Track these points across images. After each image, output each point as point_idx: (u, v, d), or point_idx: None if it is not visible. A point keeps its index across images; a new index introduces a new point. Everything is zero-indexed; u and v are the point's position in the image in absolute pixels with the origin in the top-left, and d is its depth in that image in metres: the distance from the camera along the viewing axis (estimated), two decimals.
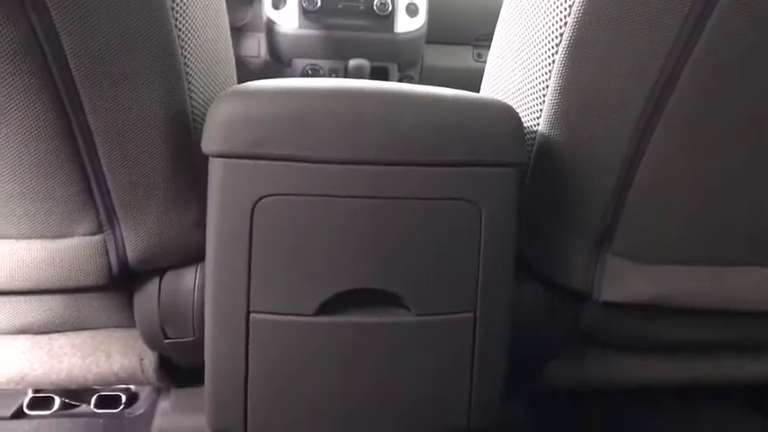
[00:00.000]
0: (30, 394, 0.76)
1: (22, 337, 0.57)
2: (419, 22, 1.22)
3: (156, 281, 0.53)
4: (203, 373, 0.46)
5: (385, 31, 1.21)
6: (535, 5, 0.43)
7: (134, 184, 0.45)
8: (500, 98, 0.54)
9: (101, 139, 0.42)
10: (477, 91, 1.46)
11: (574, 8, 0.38)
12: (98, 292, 0.52)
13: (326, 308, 0.43)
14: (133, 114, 0.41)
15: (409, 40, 1.23)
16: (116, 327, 0.57)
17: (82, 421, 0.77)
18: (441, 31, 1.28)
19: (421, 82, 1.35)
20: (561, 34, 0.40)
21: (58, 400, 0.76)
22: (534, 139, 0.47)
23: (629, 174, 0.44)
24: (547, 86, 0.43)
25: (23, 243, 0.48)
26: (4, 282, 0.48)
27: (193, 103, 0.44)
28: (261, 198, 0.40)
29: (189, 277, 0.53)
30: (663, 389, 0.65)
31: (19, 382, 0.58)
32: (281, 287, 0.42)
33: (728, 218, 0.48)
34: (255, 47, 1.26)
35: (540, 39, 0.43)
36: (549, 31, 0.41)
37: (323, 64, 1.28)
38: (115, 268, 0.49)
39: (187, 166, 0.46)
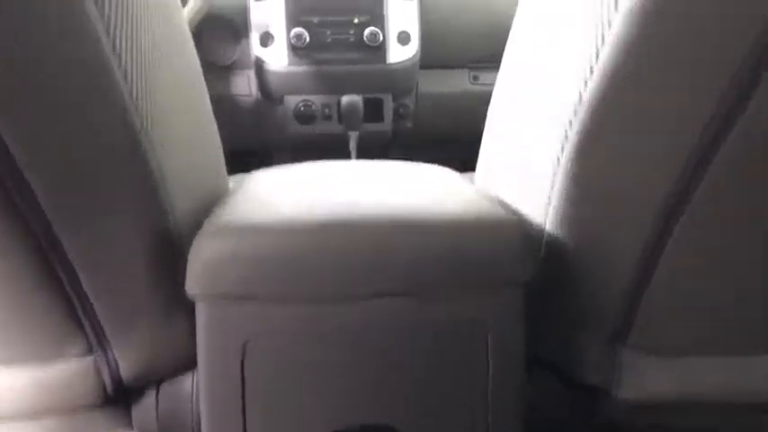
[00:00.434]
0: None
1: None
2: (412, 50, 1.19)
3: (152, 392, 0.51)
4: None
5: (377, 63, 1.18)
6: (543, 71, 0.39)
7: (120, 308, 0.44)
8: (501, 179, 0.51)
9: (83, 274, 0.40)
10: (474, 115, 1.42)
11: (588, 89, 0.34)
12: (94, 409, 0.51)
13: None
14: (113, 244, 0.39)
15: (402, 70, 1.20)
16: None
17: None
18: (434, 55, 1.25)
19: (416, 109, 1.31)
20: (575, 113, 0.36)
21: None
22: (542, 235, 0.44)
23: (648, 269, 0.41)
24: (555, 174, 0.39)
25: (13, 369, 0.47)
26: None
27: (176, 215, 0.42)
28: (250, 339, 0.38)
29: (186, 384, 0.51)
30: None
31: None
32: (276, 425, 0.40)
33: (753, 305, 0.45)
34: (246, 85, 1.23)
35: (549, 114, 0.39)
36: (561, 108, 0.37)
37: (315, 99, 1.25)
38: (109, 387, 0.48)
39: (172, 282, 0.44)
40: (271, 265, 0.37)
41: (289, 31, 1.15)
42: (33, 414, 0.48)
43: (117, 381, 0.47)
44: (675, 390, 0.46)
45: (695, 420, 0.52)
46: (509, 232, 0.40)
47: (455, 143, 1.59)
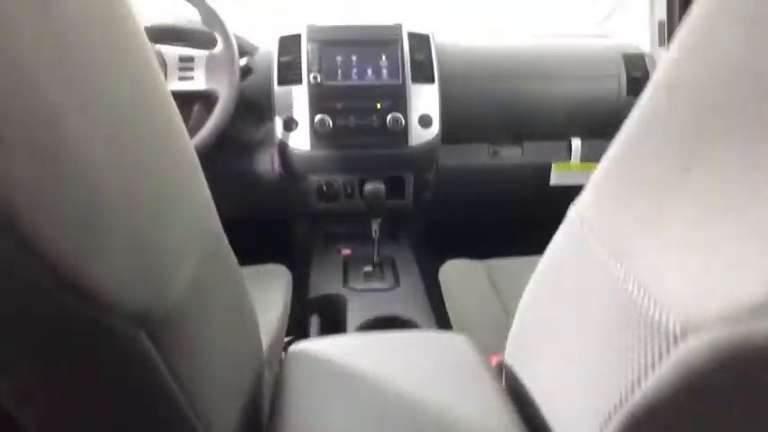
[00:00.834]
0: None
1: None
2: (433, 132, 1.20)
3: None
4: None
5: (399, 146, 1.19)
6: None
7: None
8: (538, 369, 0.50)
9: None
10: (493, 188, 1.43)
11: None
12: None
13: None
14: None
15: (424, 152, 1.21)
16: None
17: None
18: (455, 131, 1.26)
19: (437, 182, 1.33)
20: None
21: None
22: None
23: None
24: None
25: None
26: None
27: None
28: None
29: None
30: None
31: None
32: None
33: None
34: (269, 162, 1.25)
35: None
36: None
37: (337, 179, 1.27)
38: None
39: None
40: None
41: (312, 117, 1.16)
42: None
43: None
44: None
45: None
46: None
47: (474, 215, 1.61)
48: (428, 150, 1.21)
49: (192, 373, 0.34)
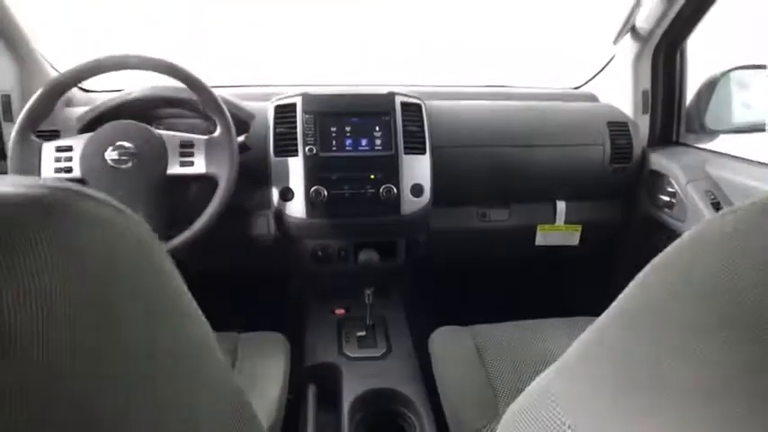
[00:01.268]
0: None
1: None
2: (425, 200, 1.25)
3: None
4: None
5: (392, 215, 1.24)
6: None
7: None
8: None
9: None
10: (481, 249, 1.48)
11: None
12: None
13: None
14: None
15: (416, 219, 1.26)
16: None
17: None
18: (444, 196, 1.30)
19: (428, 242, 1.38)
20: None
21: None
22: None
23: None
24: None
25: None
26: None
27: None
28: None
29: None
30: None
31: None
32: None
33: None
34: (265, 225, 1.29)
35: None
36: None
37: (332, 243, 1.31)
38: None
39: None
40: None
41: (308, 187, 1.20)
42: None
43: None
44: None
45: None
46: None
47: (464, 274, 1.66)
48: (420, 217, 1.26)
49: None
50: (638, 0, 1.19)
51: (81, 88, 1.41)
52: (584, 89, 1.60)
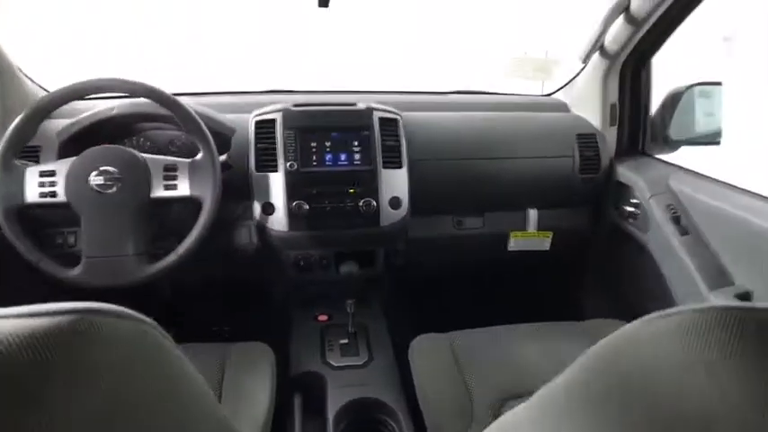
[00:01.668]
0: None
1: None
2: (402, 212, 1.29)
3: None
4: None
5: (371, 226, 1.28)
6: None
7: None
8: None
9: None
10: (458, 255, 1.54)
11: None
12: None
13: None
14: None
15: (394, 230, 1.30)
16: None
17: None
18: (422, 206, 1.35)
19: (406, 251, 1.43)
20: None
21: None
22: None
23: None
24: None
25: None
26: None
27: None
28: None
29: None
30: None
31: None
32: None
33: None
34: (247, 236, 1.31)
35: None
36: None
37: (313, 253, 1.35)
38: None
39: None
40: None
41: (289, 202, 1.23)
42: None
43: None
44: None
45: None
46: None
47: (440, 279, 1.72)
48: (398, 228, 1.30)
49: None
50: (605, 24, 1.24)
51: None
52: (556, 96, 1.65)
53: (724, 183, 1.18)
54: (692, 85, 1.39)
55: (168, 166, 1.07)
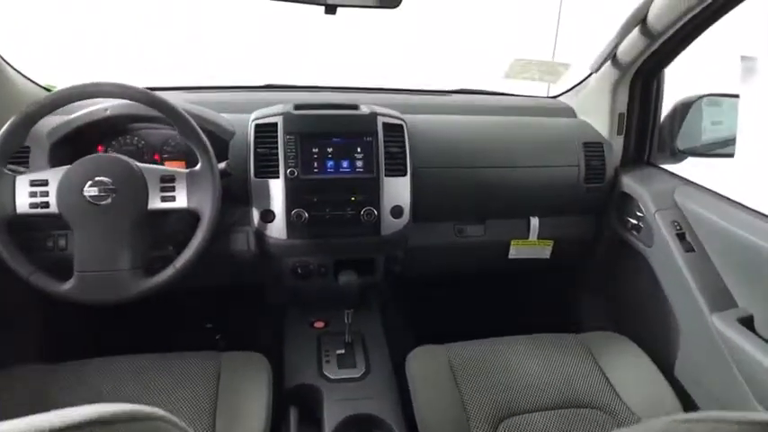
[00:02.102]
0: None
1: None
2: (404, 221, 1.27)
3: None
4: None
5: (371, 235, 1.25)
6: None
7: None
8: None
9: None
10: (458, 264, 1.53)
11: None
12: None
13: None
14: None
15: (395, 239, 1.28)
16: None
17: None
18: (423, 213, 1.32)
19: (405, 258, 1.40)
20: None
21: None
22: None
23: None
24: None
25: None
26: None
27: None
28: None
29: None
30: None
31: None
32: None
33: None
34: (245, 242, 1.28)
35: None
36: None
37: (312, 260, 1.32)
38: None
39: None
40: None
41: (289, 210, 1.20)
42: None
43: None
44: None
45: None
46: None
47: (440, 287, 1.70)
48: (399, 237, 1.28)
49: None
50: (620, 35, 1.20)
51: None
52: (562, 99, 1.62)
53: (730, 200, 1.16)
54: (704, 96, 1.35)
55: (165, 176, 1.03)
